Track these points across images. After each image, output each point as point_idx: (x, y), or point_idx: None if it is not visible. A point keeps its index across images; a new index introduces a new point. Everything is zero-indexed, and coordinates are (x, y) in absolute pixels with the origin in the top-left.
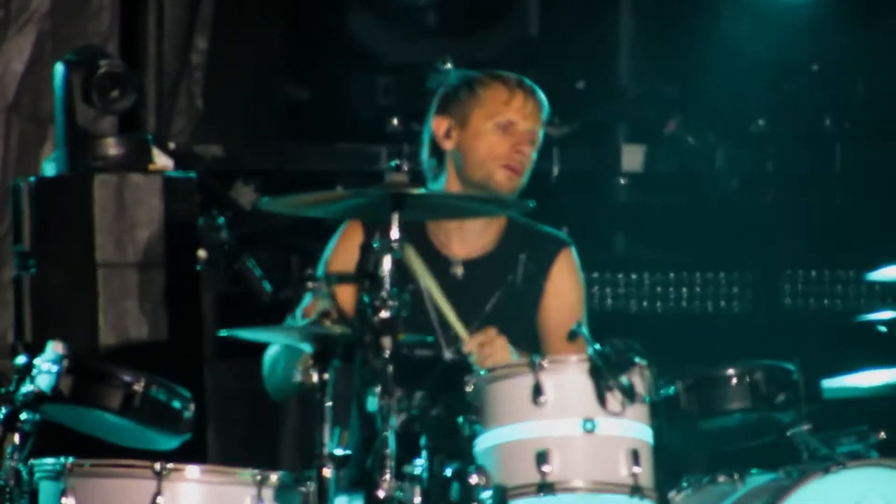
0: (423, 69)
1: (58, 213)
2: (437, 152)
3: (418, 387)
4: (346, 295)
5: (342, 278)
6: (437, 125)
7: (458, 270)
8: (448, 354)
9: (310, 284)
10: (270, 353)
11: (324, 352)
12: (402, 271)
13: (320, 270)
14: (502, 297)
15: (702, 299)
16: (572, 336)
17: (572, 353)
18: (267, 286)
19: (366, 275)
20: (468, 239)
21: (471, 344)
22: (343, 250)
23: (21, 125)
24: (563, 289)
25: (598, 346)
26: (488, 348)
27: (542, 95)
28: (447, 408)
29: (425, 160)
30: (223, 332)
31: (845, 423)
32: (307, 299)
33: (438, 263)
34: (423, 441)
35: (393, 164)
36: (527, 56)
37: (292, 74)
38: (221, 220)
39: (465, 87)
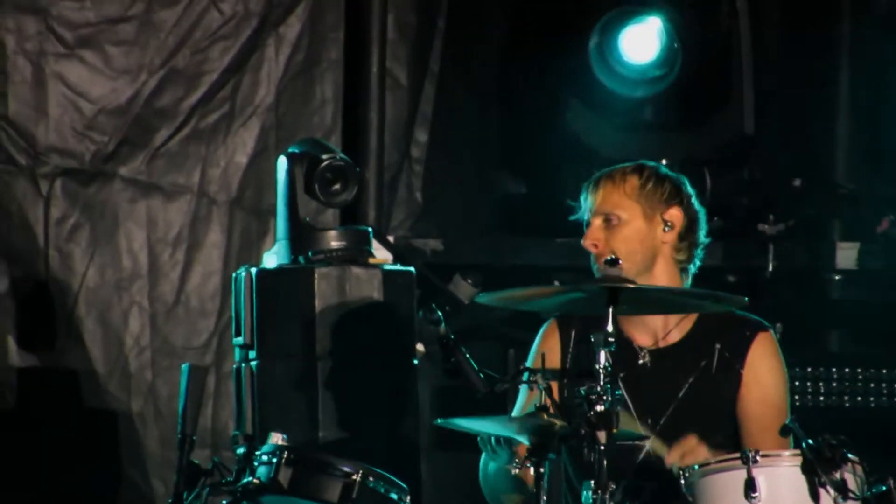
0: None
1: (278, 304)
2: None
3: (621, 477)
4: (556, 390)
5: (557, 372)
6: None
7: (647, 359)
8: (648, 444)
9: (526, 378)
10: (483, 466)
11: (540, 444)
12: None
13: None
14: (695, 384)
15: None
16: (785, 432)
17: (776, 444)
18: (484, 379)
19: (581, 369)
20: (657, 328)
21: (673, 456)
22: (543, 349)
23: (244, 218)
24: (762, 375)
25: (810, 442)
26: (690, 458)
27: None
28: (652, 499)
29: None
30: (439, 421)
31: None
32: (523, 393)
33: (630, 353)
34: None
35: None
36: (742, 152)
37: (509, 168)
38: (440, 313)
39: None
